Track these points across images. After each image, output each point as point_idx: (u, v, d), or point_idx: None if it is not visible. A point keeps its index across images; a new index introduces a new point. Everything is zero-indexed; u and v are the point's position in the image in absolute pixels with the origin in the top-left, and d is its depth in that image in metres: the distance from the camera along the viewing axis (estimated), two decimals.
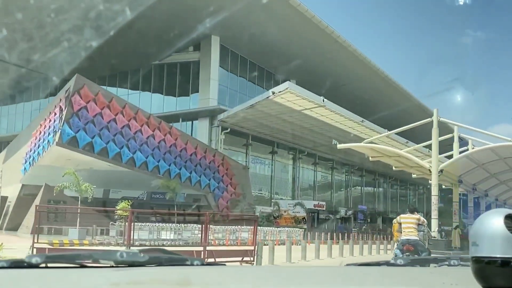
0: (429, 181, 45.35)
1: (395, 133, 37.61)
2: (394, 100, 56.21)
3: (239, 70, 49.44)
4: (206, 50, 45.08)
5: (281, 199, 50.15)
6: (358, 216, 58.54)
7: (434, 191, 28.43)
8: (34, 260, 1.76)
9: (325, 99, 37.37)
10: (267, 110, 39.49)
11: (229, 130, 43.61)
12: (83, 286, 1.58)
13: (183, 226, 25.20)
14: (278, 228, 33.37)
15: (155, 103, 48.84)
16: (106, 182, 38.27)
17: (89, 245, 22.04)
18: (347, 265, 2.28)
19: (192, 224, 25.65)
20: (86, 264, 1.85)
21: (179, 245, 23.91)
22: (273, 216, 43.99)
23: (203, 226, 13.79)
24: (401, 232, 13.06)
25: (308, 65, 47.56)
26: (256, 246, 14.33)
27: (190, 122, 46.14)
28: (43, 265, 1.79)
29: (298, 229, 35.32)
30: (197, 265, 2.02)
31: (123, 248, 14.12)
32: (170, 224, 25.15)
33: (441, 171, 28.00)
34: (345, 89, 50.91)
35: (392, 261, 2.30)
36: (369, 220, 62.32)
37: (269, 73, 51.73)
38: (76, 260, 1.85)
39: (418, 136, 42.04)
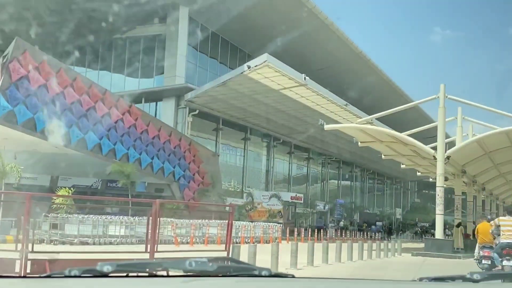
0: (418, 173, 41.50)
1: (377, 119, 33.41)
2: (376, 86, 52.28)
3: (210, 49, 44.57)
4: (173, 23, 40.10)
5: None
6: (336, 210, 54.47)
7: (439, 181, 24.21)
8: (105, 269, 1.75)
9: (307, 77, 32.98)
10: (240, 88, 34.87)
11: (197, 112, 38.79)
12: None
13: (137, 219, 20.38)
14: (253, 223, 28.77)
15: (115, 81, 43.68)
16: (53, 167, 33.24)
17: (14, 241, 17.07)
18: (420, 279, 2.12)
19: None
20: (156, 273, 1.85)
21: (131, 244, 19.24)
22: (245, 209, 39.45)
23: (151, 220, 9.18)
24: (499, 235, 13.13)
25: (286, 46, 42.98)
26: (231, 250, 9.81)
27: (154, 103, 41.18)
28: (114, 273, 1.78)
29: (275, 224, 30.83)
30: (265, 275, 1.97)
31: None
32: (121, 217, 20.30)
33: (448, 158, 23.88)
34: (323, 73, 46.62)
35: (468, 276, 2.10)
36: (345, 215, 58.61)
37: (243, 53, 47.01)
38: (146, 268, 1.89)
39: (399, 126, 38.11)
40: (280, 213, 39.68)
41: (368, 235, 45.70)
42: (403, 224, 71.15)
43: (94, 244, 17.82)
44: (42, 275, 1.80)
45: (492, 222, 14.17)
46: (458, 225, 28.13)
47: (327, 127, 27.86)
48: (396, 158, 33.74)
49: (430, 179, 44.95)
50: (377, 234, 46.74)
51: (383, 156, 33.21)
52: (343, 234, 42.90)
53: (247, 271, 1.97)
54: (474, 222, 33.80)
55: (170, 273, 1.86)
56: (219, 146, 42.96)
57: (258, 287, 1.78)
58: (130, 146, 32.51)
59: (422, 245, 37.22)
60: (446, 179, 25.03)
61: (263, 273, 1.96)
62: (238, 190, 45.39)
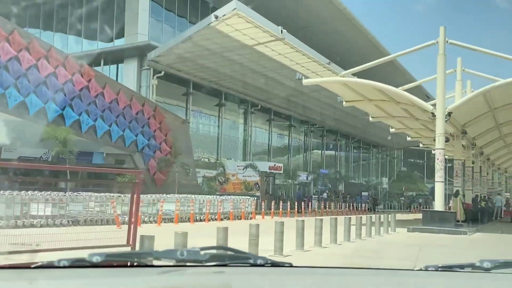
0: (408, 138, 37.91)
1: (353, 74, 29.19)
2: (360, 47, 48.24)
3: (177, 5, 40.00)
4: None
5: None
6: (320, 181, 50.81)
7: (440, 142, 20.42)
8: (95, 259, 1.75)
9: (284, 30, 28.91)
10: (209, 44, 30.73)
11: (163, 73, 34.57)
12: (143, 286, 1.66)
13: (71, 195, 16.39)
14: (221, 197, 24.92)
15: (72, 44, 39.22)
16: None
17: None
18: (426, 268, 2.01)
19: (88, 193, 16.84)
20: (146, 262, 1.83)
21: (60, 225, 15.37)
22: (218, 181, 35.63)
23: None
24: None
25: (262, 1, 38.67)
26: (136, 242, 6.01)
27: (115, 65, 36.87)
28: (104, 264, 1.77)
29: (248, 197, 27.01)
30: (261, 264, 1.90)
31: None
32: (48, 192, 16.25)
33: (449, 114, 20.14)
34: (305, 33, 42.46)
35: (478, 264, 1.98)
36: (330, 185, 55.19)
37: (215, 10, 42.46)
38: (136, 258, 1.87)
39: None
40: (257, 185, 35.89)
41: (353, 207, 42.36)
42: (389, 193, 68.16)
43: (7, 227, 13.96)
44: (31, 266, 1.75)
45: None
46: (456, 194, 24.52)
47: (305, 81, 24.02)
48: (385, 121, 30.05)
49: (420, 145, 41.53)
50: (363, 205, 43.39)
51: (370, 118, 29.48)
52: (327, 206, 39.52)
53: (242, 260, 1.89)
54: (472, 191, 30.53)
55: (162, 263, 1.77)
56: (189, 113, 38.86)
57: (253, 277, 1.74)
58: (82, 111, 28.35)
59: (414, 216, 33.91)
60: (447, 139, 21.37)
61: (259, 261, 1.89)
62: (212, 161, 41.44)
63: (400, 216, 33.64)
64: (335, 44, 45.45)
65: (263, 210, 27.16)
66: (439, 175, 20.52)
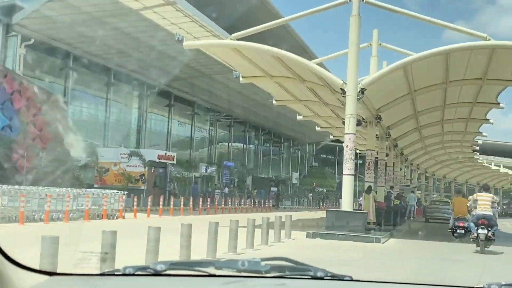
0: (317, 128, 34.33)
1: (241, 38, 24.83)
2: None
3: None
4: None
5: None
6: (224, 174, 46.54)
7: (350, 126, 16.53)
8: (159, 267, 1.76)
9: None
10: (85, 6, 25.60)
11: (32, 41, 28.84)
12: None
13: None
14: (75, 191, 19.75)
15: None
16: None
17: None
18: (489, 285, 1.92)
19: None
20: (209, 272, 1.85)
21: None
22: (97, 170, 30.39)
23: None
24: (476, 208, 14.69)
25: None
26: None
27: None
28: (167, 272, 1.78)
29: (115, 191, 22.01)
30: (320, 277, 1.92)
31: None
32: None
33: (362, 91, 16.31)
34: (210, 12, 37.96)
35: None
36: (236, 179, 51.24)
37: None
38: (198, 268, 1.87)
39: None
40: (143, 177, 30.96)
41: (257, 203, 38.56)
42: (299, 189, 65.30)
43: None
44: (97, 273, 1.83)
45: (470, 197, 15.89)
46: (369, 191, 20.94)
47: (187, 43, 19.60)
48: (291, 105, 26.17)
49: (331, 136, 38.18)
50: (267, 201, 39.64)
51: (274, 102, 25.48)
52: (227, 202, 35.44)
53: (302, 272, 1.92)
54: (392, 187, 27.36)
55: (223, 273, 1.81)
56: (69, 92, 33.27)
57: None
58: None
59: (321, 214, 30.39)
60: (358, 123, 17.61)
61: (319, 274, 1.91)
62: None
63: (306, 214, 30.10)
64: (240, 23, 41.32)
65: (135, 207, 22.39)
66: (348, 166, 16.72)
